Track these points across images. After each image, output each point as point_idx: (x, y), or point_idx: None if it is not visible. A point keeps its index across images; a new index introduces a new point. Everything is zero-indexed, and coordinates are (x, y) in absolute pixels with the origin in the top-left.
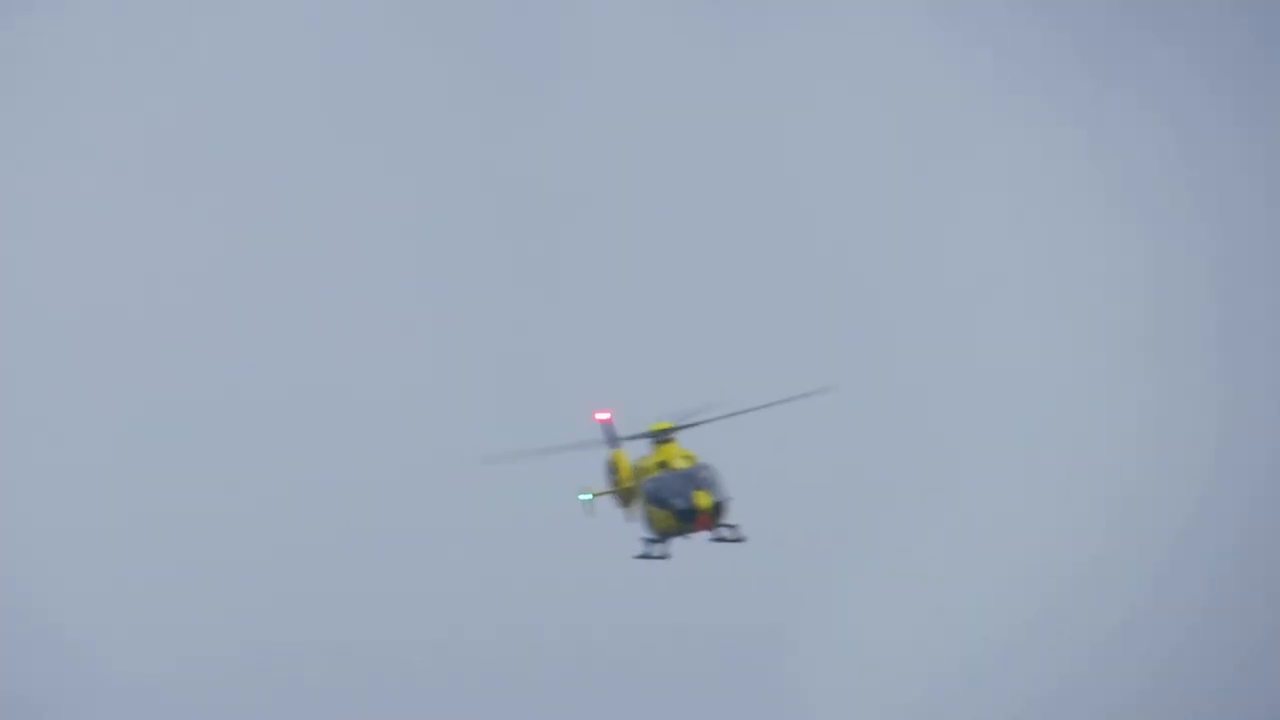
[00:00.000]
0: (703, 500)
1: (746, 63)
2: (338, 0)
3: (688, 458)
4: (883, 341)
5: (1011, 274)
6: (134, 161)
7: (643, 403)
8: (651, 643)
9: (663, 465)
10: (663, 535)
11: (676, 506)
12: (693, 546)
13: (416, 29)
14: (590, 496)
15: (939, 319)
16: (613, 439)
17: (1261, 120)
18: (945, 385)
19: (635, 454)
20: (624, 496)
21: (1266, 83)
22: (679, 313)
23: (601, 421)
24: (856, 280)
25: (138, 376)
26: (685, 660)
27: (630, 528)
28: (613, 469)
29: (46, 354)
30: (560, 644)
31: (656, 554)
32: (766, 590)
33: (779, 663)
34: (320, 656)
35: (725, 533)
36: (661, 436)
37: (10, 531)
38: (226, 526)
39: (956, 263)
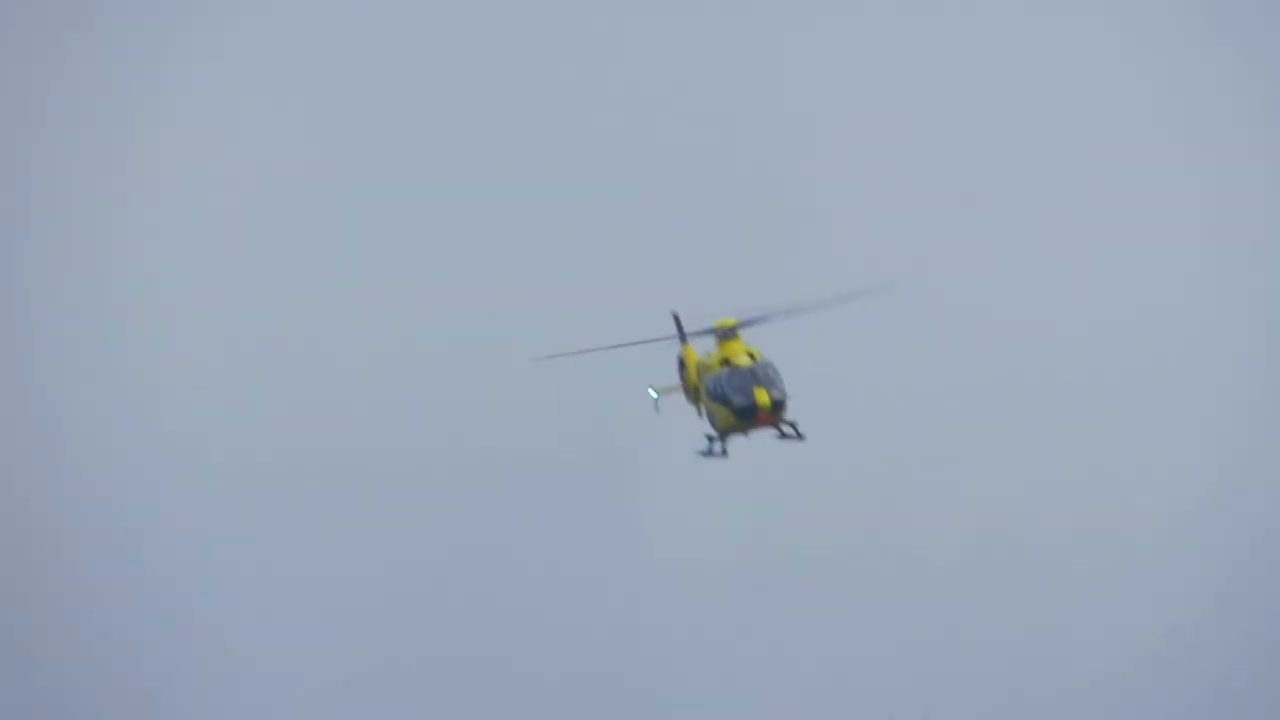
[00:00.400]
0: (762, 397)
1: None
2: None
3: (751, 355)
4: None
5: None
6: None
7: (704, 300)
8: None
9: (726, 363)
10: (725, 433)
11: (736, 403)
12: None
13: None
14: (656, 394)
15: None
16: (681, 334)
17: None
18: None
19: (703, 351)
20: (692, 393)
21: None
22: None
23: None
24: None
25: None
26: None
27: (697, 423)
28: (681, 365)
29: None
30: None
31: (717, 451)
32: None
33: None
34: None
35: (786, 430)
36: (725, 333)
37: None
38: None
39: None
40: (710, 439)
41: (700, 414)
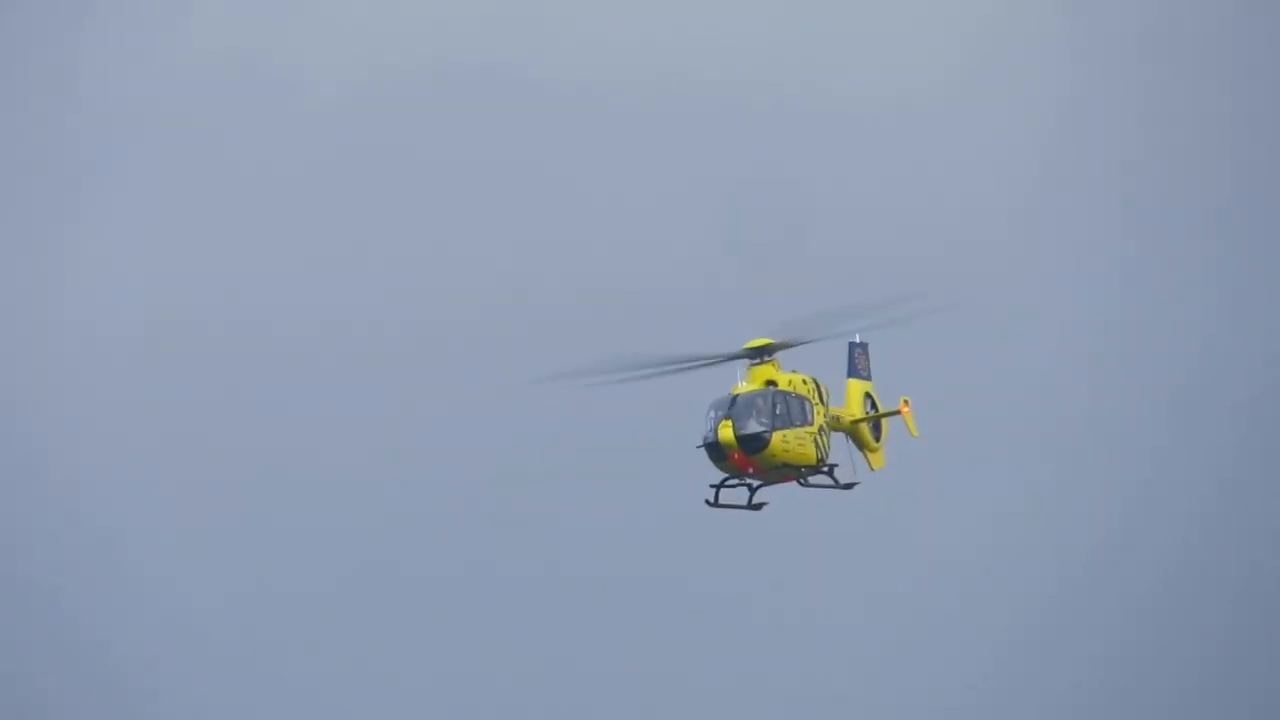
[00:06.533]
0: (725, 432)
1: None
2: None
3: (773, 382)
4: None
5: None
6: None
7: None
8: None
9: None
10: (726, 478)
11: (705, 440)
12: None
13: None
14: None
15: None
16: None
17: None
18: None
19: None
20: None
21: None
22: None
23: None
24: None
25: None
26: None
27: None
28: None
29: None
30: None
31: (723, 502)
32: None
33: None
34: None
35: (814, 478)
36: (756, 355)
37: None
38: None
39: None
40: (714, 486)
41: None
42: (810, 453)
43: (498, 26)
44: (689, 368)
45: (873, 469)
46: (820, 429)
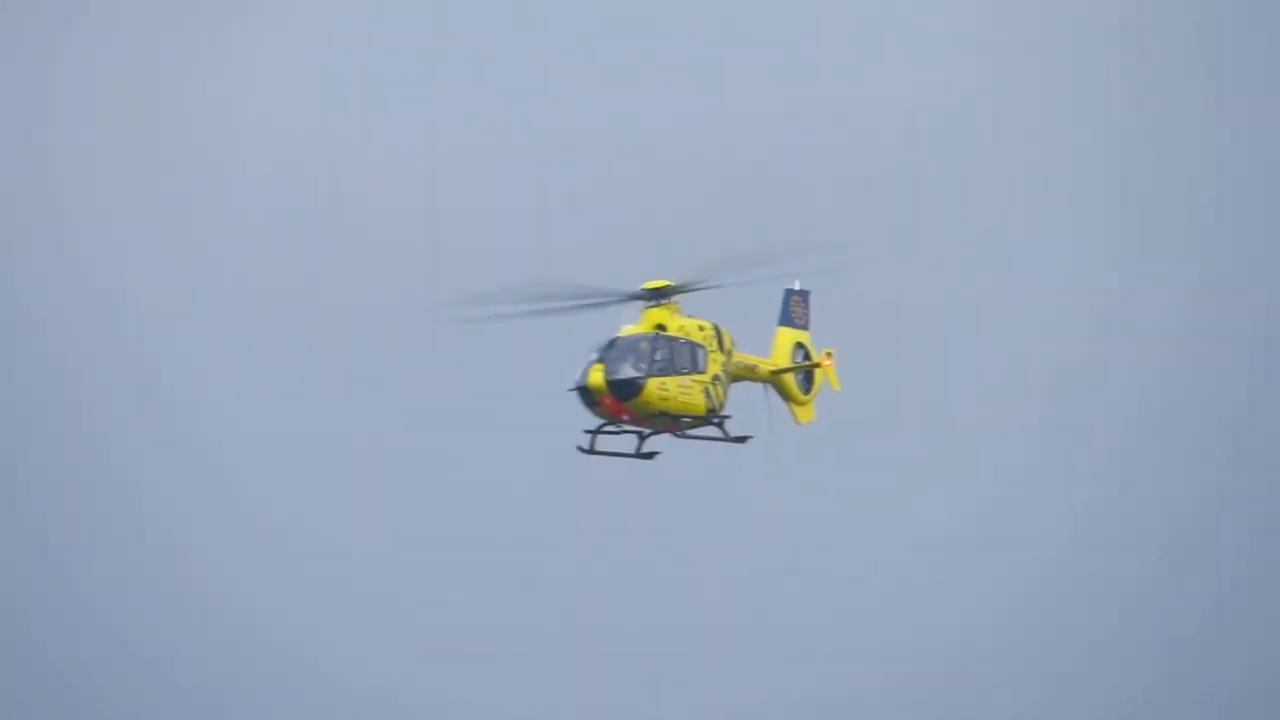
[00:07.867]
0: (595, 376)
1: None
2: None
3: (660, 325)
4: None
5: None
6: None
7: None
8: None
9: None
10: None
11: (576, 384)
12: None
13: None
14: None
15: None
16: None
17: None
18: None
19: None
20: None
21: None
22: None
23: None
24: None
25: None
26: None
27: None
28: None
29: None
30: None
31: (600, 449)
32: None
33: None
34: None
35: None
36: (652, 297)
37: None
38: None
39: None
40: (589, 432)
41: None
42: (698, 402)
43: None
44: (582, 305)
45: (798, 422)
46: (715, 378)
